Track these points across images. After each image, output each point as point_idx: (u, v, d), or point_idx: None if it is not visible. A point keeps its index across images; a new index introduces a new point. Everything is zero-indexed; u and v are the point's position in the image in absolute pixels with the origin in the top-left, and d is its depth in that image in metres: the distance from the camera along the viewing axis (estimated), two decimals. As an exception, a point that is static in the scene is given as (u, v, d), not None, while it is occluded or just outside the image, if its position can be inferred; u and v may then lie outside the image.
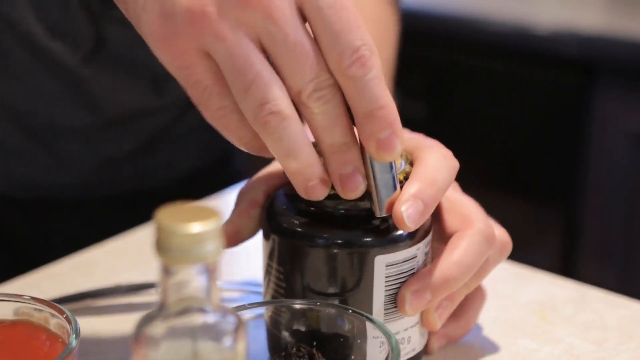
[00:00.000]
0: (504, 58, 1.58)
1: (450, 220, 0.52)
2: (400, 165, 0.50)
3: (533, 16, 1.56)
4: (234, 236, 0.52)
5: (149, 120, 0.82)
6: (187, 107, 0.84)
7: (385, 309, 0.49)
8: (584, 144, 1.52)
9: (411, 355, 0.51)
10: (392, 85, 0.71)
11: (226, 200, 0.80)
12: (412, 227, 0.47)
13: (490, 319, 0.60)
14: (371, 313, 0.49)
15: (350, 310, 0.47)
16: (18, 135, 0.77)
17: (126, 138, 0.81)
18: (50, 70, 0.75)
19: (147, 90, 0.79)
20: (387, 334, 0.45)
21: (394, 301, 0.49)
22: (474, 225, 0.51)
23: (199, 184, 0.85)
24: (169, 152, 0.84)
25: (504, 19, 1.56)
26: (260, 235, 0.53)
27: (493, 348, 0.57)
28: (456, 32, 1.62)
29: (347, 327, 0.47)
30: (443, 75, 1.64)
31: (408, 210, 0.47)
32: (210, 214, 0.34)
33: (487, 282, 0.64)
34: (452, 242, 0.51)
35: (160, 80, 0.80)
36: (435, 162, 0.49)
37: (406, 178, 0.50)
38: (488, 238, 0.51)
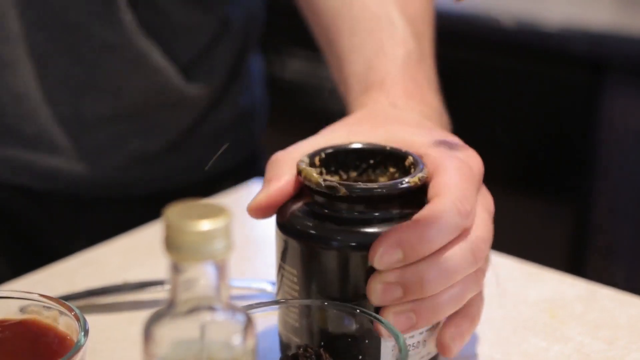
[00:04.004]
0: (513, 55, 1.58)
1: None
2: (416, 170, 0.50)
3: (542, 13, 1.55)
4: (266, 209, 0.52)
5: (176, 114, 0.81)
6: (214, 103, 0.84)
7: None
8: (593, 141, 1.51)
9: (427, 358, 0.51)
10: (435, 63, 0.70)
11: (236, 198, 0.80)
12: (381, 268, 0.47)
13: (500, 318, 0.59)
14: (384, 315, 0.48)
15: (358, 311, 0.46)
16: (44, 124, 0.76)
17: (154, 134, 0.80)
18: (70, 49, 0.74)
19: (173, 75, 0.79)
20: (395, 335, 0.44)
21: None
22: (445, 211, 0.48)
23: (225, 185, 0.85)
24: (196, 152, 0.84)
25: (513, 16, 1.55)
26: (272, 233, 0.52)
27: (503, 347, 0.56)
28: (465, 29, 1.61)
29: (355, 327, 0.47)
30: (451, 73, 1.63)
31: (383, 255, 0.46)
32: (220, 211, 0.34)
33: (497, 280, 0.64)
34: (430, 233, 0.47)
35: (188, 65, 0.79)
36: (444, 208, 0.47)
37: (422, 181, 0.49)
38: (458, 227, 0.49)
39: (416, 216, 0.48)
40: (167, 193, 0.83)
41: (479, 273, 0.50)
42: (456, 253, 0.48)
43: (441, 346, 0.50)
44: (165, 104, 0.80)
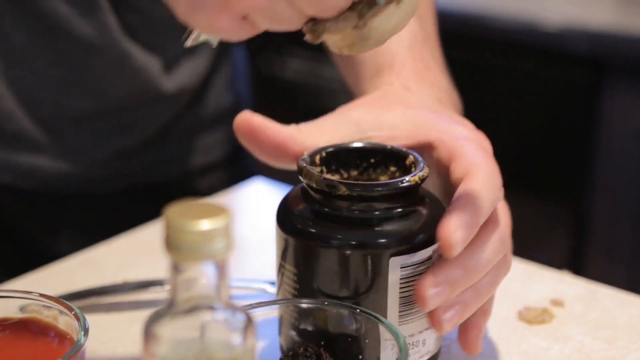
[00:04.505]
0: (513, 55, 1.58)
1: (455, 170, 0.51)
2: (417, 169, 0.50)
3: (542, 13, 1.55)
4: (251, 130, 0.53)
5: (158, 109, 0.81)
6: (195, 98, 0.84)
7: (400, 312, 0.49)
8: (593, 140, 1.51)
9: (426, 357, 0.51)
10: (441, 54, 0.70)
11: (236, 197, 0.80)
12: (455, 254, 0.47)
13: (500, 317, 0.59)
14: (385, 316, 0.48)
15: (358, 310, 0.46)
16: (27, 123, 0.76)
17: (136, 129, 0.81)
18: (52, 49, 0.74)
19: (155, 73, 0.79)
20: (395, 334, 0.44)
21: (409, 303, 0.49)
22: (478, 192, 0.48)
23: (209, 180, 0.85)
24: (178, 147, 0.84)
25: (514, 15, 1.55)
26: (272, 233, 0.52)
27: (503, 346, 0.56)
28: (466, 28, 1.61)
29: (355, 327, 0.47)
30: (452, 72, 1.64)
31: (457, 235, 0.46)
32: (220, 211, 0.33)
33: (497, 280, 0.64)
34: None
35: (170, 62, 0.79)
36: (483, 186, 0.49)
37: (422, 180, 0.49)
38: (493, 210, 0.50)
39: (457, 198, 0.48)
40: (149, 187, 0.83)
41: (508, 257, 0.52)
42: (489, 242, 0.49)
43: (469, 346, 0.51)
44: (146, 100, 0.80)
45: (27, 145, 0.77)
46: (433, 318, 0.49)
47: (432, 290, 0.47)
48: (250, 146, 0.54)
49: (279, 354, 0.50)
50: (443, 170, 0.53)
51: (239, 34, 0.44)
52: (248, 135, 0.54)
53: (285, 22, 0.43)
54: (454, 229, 0.46)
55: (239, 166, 0.91)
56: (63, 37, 0.74)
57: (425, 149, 0.54)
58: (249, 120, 0.53)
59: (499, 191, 0.50)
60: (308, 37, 0.44)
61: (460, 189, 0.49)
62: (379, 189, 0.48)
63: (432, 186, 0.54)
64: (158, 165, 0.84)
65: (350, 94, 0.70)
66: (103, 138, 0.79)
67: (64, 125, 0.78)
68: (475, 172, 0.49)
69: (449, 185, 0.52)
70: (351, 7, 0.43)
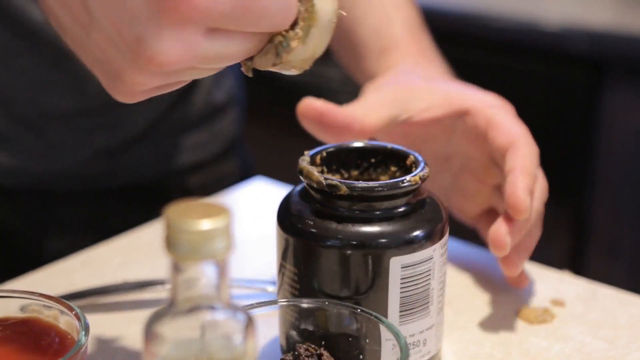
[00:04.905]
0: (513, 54, 1.58)
1: (498, 138, 0.58)
2: (418, 169, 0.50)
3: (543, 12, 1.55)
4: (317, 112, 0.59)
5: (142, 107, 0.80)
6: (181, 96, 0.83)
7: (400, 312, 0.49)
8: (593, 140, 1.51)
9: (427, 357, 0.51)
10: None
11: (236, 197, 0.80)
12: (527, 216, 0.54)
13: (501, 317, 0.59)
14: (386, 316, 0.48)
15: (359, 310, 0.46)
16: (6, 122, 0.76)
17: (120, 128, 0.80)
18: (33, 49, 0.74)
19: None
20: (396, 333, 0.44)
21: (410, 303, 0.49)
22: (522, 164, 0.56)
23: (200, 178, 0.85)
24: (166, 145, 0.84)
25: (514, 15, 1.55)
26: (272, 232, 0.52)
27: (504, 346, 0.56)
28: (466, 28, 1.61)
29: (355, 327, 0.47)
30: (452, 72, 1.64)
31: (527, 200, 0.53)
32: (220, 210, 0.33)
33: (498, 279, 0.64)
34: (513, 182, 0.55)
35: None
36: (529, 152, 0.57)
37: (423, 180, 0.50)
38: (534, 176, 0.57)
39: (513, 168, 0.55)
40: (138, 185, 0.83)
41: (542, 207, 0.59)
42: (537, 194, 0.57)
43: (521, 282, 0.61)
44: None
45: (9, 144, 0.77)
46: (508, 262, 0.56)
47: (508, 237, 0.54)
48: (316, 129, 0.59)
49: (279, 354, 0.50)
50: (478, 135, 0.60)
51: (170, 89, 0.45)
52: (315, 119, 0.59)
53: (208, 73, 0.45)
54: (524, 195, 0.54)
55: (231, 164, 0.90)
56: (41, 37, 0.74)
57: (460, 115, 0.60)
58: (314, 106, 0.59)
59: (537, 154, 0.58)
60: (243, 69, 0.46)
61: (512, 159, 0.56)
62: (380, 188, 0.48)
63: (458, 151, 0.62)
64: (146, 164, 0.83)
65: (350, 94, 0.71)
66: (86, 136, 0.79)
67: (45, 124, 0.77)
68: (519, 142, 0.57)
69: (484, 149, 0.60)
70: (271, 39, 0.44)
